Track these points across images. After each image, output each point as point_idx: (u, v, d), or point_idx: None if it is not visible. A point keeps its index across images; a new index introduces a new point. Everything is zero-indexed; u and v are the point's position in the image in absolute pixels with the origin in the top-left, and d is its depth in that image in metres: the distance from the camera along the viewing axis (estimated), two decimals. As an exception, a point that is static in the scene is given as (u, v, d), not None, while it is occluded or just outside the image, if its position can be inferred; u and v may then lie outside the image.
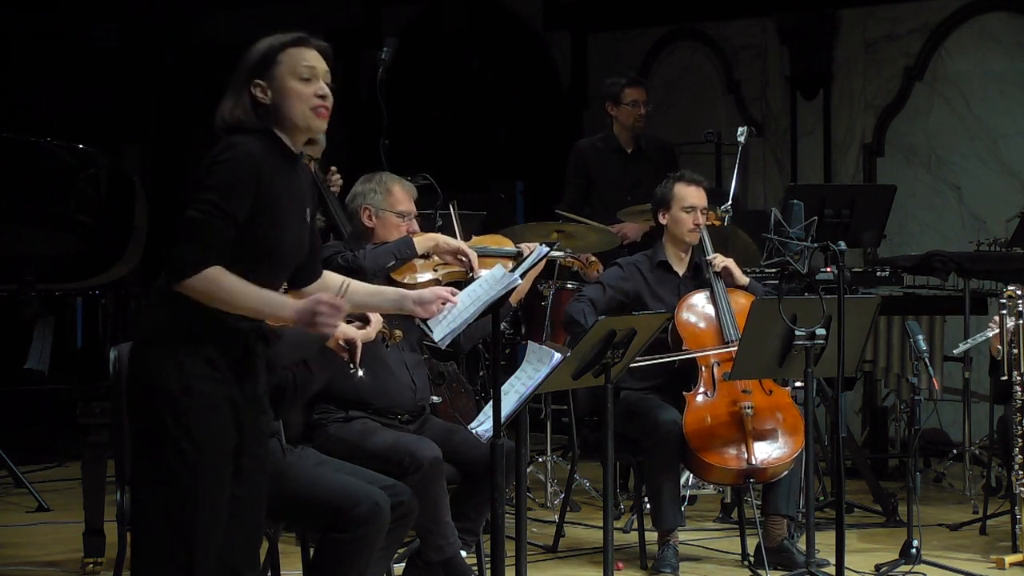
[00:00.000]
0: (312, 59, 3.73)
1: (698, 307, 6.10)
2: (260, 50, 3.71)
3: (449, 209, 5.78)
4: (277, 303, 3.60)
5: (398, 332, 4.83)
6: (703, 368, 5.97)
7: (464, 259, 5.31)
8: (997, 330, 6.04)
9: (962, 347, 6.37)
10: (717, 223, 6.40)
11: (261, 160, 3.58)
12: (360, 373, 4.44)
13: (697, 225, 6.17)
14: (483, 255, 5.52)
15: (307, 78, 3.70)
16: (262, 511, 3.80)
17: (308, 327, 3.62)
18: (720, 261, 6.14)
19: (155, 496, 3.56)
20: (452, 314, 4.79)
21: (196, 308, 3.53)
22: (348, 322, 4.59)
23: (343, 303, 3.63)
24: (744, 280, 6.21)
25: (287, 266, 3.73)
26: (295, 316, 3.59)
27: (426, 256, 5.44)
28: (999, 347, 6.02)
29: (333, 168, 6.71)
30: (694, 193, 6.17)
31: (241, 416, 3.62)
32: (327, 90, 3.73)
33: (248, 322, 3.62)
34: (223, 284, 3.51)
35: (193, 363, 3.53)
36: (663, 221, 6.24)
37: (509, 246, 5.68)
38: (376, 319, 4.85)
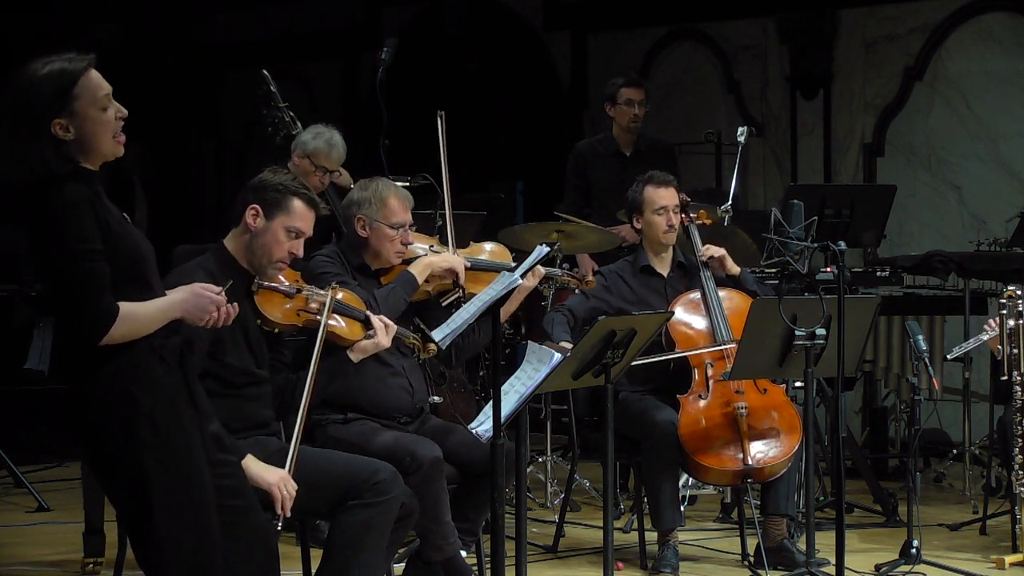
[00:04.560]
0: (102, 82, 3.58)
1: (690, 308, 6.10)
2: (51, 84, 3.50)
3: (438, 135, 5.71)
4: (167, 307, 3.60)
5: (432, 346, 4.84)
6: (696, 370, 5.97)
7: (454, 275, 5.33)
8: (993, 333, 6.03)
9: (957, 351, 6.36)
10: (709, 222, 6.40)
11: (83, 195, 3.50)
12: (279, 527, 4.32)
13: (671, 226, 6.17)
14: (478, 268, 5.51)
15: (105, 107, 3.56)
16: (257, 510, 3.81)
17: (192, 322, 3.65)
18: (713, 251, 6.16)
19: (161, 542, 3.54)
20: (453, 315, 4.81)
21: (129, 351, 3.51)
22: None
23: (223, 300, 3.66)
24: (735, 270, 6.21)
25: (155, 265, 3.71)
26: (183, 312, 3.62)
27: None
28: (999, 347, 6.02)
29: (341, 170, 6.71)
30: (663, 194, 6.17)
31: (202, 435, 3.65)
32: (124, 109, 3.61)
33: (175, 336, 3.63)
34: (134, 316, 3.50)
35: (156, 412, 3.52)
36: (638, 226, 6.24)
37: (506, 258, 5.67)
38: (391, 326, 4.87)
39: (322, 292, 4.73)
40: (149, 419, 3.50)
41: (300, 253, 4.60)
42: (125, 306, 3.49)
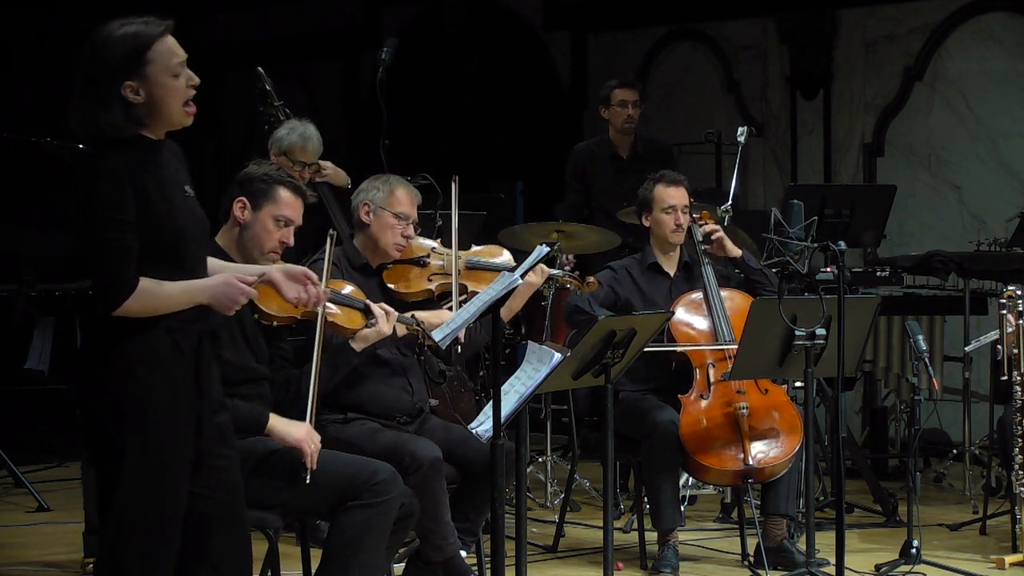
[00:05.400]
0: (177, 49, 3.59)
1: (692, 308, 6.10)
2: (125, 46, 3.52)
3: (451, 196, 5.70)
4: (194, 291, 3.60)
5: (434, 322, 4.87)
6: (698, 370, 5.97)
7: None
8: (1010, 329, 6.02)
9: (975, 345, 6.37)
10: (712, 222, 6.40)
11: (125, 164, 3.50)
12: (308, 480, 4.41)
13: (679, 225, 6.16)
14: (479, 268, 5.52)
15: (177, 73, 3.57)
16: (242, 509, 3.80)
17: (219, 309, 3.64)
18: (711, 228, 6.15)
19: (122, 513, 3.55)
20: (453, 315, 4.81)
21: (144, 328, 3.51)
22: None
23: (254, 292, 3.67)
24: (736, 252, 6.21)
25: (200, 245, 3.71)
26: (210, 300, 3.61)
27: (423, 264, 5.42)
28: (998, 347, 6.02)
29: (324, 164, 6.69)
30: (673, 193, 6.17)
31: (201, 422, 3.63)
32: (196, 77, 3.61)
33: (199, 323, 3.62)
34: (153, 293, 3.51)
35: (154, 390, 3.51)
36: (646, 223, 6.24)
37: (508, 258, 5.67)
38: (392, 313, 4.89)
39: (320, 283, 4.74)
40: (143, 395, 3.50)
41: (290, 241, 4.63)
42: (146, 282, 3.49)
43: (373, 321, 4.90)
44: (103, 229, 3.46)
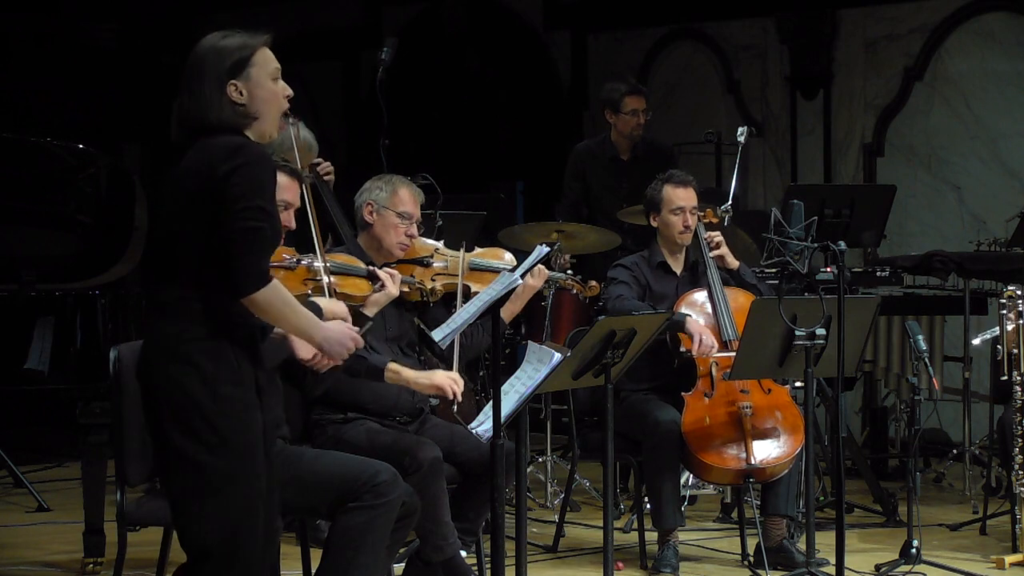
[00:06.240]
0: (274, 59, 3.74)
1: (696, 306, 6.10)
2: (233, 50, 3.69)
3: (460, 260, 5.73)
4: (313, 326, 3.67)
5: (439, 288, 4.90)
6: (701, 368, 5.97)
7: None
8: (1011, 325, 6.02)
9: (979, 339, 6.38)
10: (715, 221, 6.40)
11: (271, 158, 3.63)
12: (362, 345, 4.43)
13: (687, 227, 6.16)
14: (481, 269, 5.53)
15: (275, 79, 3.72)
16: (278, 504, 3.83)
17: (326, 353, 3.72)
18: (715, 237, 6.17)
19: (201, 506, 3.55)
20: (453, 315, 4.82)
21: (212, 313, 3.52)
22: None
23: (362, 343, 3.75)
24: (734, 264, 6.21)
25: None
26: (323, 342, 3.70)
27: (426, 264, 5.43)
28: (999, 347, 6.02)
29: (320, 160, 6.69)
30: (682, 194, 6.16)
31: (263, 410, 3.64)
32: (291, 91, 3.75)
33: (252, 316, 3.63)
34: (282, 296, 3.56)
35: (217, 369, 3.52)
36: (654, 224, 6.24)
37: (511, 260, 5.68)
38: (396, 275, 4.93)
39: (318, 258, 4.79)
40: (210, 384, 3.52)
41: (292, 225, 4.66)
42: (277, 282, 3.55)
43: (380, 285, 4.95)
44: (254, 215, 3.50)
